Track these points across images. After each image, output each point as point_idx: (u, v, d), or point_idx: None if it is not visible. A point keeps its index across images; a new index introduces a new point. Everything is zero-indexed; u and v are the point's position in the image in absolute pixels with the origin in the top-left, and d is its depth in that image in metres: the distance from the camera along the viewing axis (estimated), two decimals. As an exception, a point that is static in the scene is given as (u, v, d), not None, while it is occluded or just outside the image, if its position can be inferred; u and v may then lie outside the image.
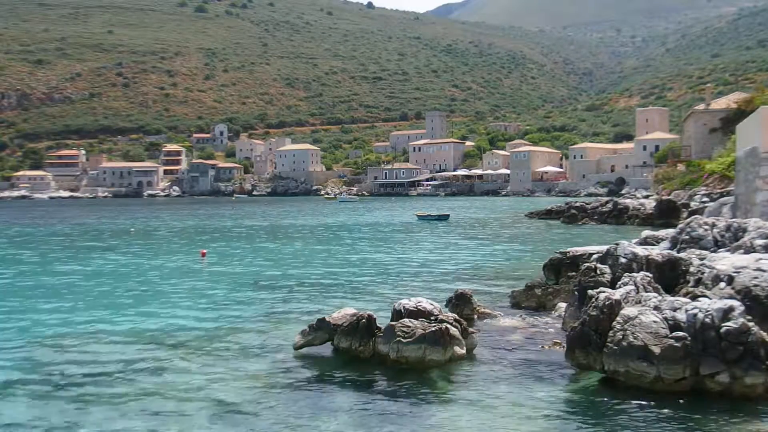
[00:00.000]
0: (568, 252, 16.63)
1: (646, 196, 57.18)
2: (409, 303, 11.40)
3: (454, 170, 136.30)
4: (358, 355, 10.80)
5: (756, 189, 17.69)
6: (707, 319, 8.82)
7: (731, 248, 12.72)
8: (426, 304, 11.41)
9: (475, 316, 13.52)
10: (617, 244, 12.59)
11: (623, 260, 12.02)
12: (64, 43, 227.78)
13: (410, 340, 10.33)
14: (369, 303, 15.65)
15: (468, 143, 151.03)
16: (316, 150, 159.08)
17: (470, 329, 11.44)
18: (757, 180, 17.58)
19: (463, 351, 10.67)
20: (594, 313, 9.61)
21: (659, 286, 10.75)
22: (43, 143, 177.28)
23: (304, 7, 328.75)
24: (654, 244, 15.31)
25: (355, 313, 11.30)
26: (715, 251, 12.86)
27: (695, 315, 8.95)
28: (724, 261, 11.10)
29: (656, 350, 8.70)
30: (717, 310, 8.88)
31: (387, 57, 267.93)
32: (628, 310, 9.31)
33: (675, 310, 9.24)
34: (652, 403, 8.50)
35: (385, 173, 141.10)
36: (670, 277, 11.51)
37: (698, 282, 10.96)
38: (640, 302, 9.72)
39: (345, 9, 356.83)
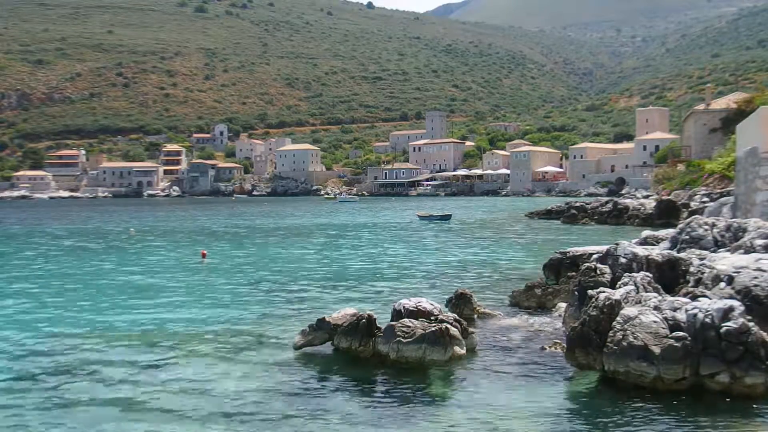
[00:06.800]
0: (568, 252, 16.62)
1: (646, 196, 57.08)
2: (409, 303, 11.40)
3: (454, 170, 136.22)
4: (358, 355, 10.80)
5: (756, 189, 17.68)
6: (707, 319, 8.82)
7: (731, 248, 12.70)
8: (426, 304, 11.41)
9: (475, 316, 13.52)
10: (617, 244, 12.58)
11: (623, 260, 12.01)
12: (64, 43, 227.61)
13: (410, 340, 10.33)
14: (369, 303, 15.65)
15: (468, 143, 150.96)
16: (316, 150, 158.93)
17: (470, 329, 11.45)
18: (757, 180, 17.57)
19: (463, 351, 10.67)
20: (594, 313, 9.61)
21: (659, 286, 10.75)
22: (43, 143, 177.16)
23: (304, 7, 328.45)
24: (654, 244, 15.29)
25: (355, 313, 11.31)
26: (715, 251, 12.84)
27: (695, 315, 8.95)
28: (724, 261, 11.09)
29: (656, 350, 8.70)
30: (717, 310, 8.87)
31: (387, 57, 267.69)
32: (628, 310, 9.31)
33: (675, 310, 9.24)
34: (652, 403, 8.50)
35: (385, 173, 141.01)
36: (670, 277, 11.50)
37: (698, 282, 10.95)
38: (640, 302, 9.72)
39: (345, 9, 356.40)
